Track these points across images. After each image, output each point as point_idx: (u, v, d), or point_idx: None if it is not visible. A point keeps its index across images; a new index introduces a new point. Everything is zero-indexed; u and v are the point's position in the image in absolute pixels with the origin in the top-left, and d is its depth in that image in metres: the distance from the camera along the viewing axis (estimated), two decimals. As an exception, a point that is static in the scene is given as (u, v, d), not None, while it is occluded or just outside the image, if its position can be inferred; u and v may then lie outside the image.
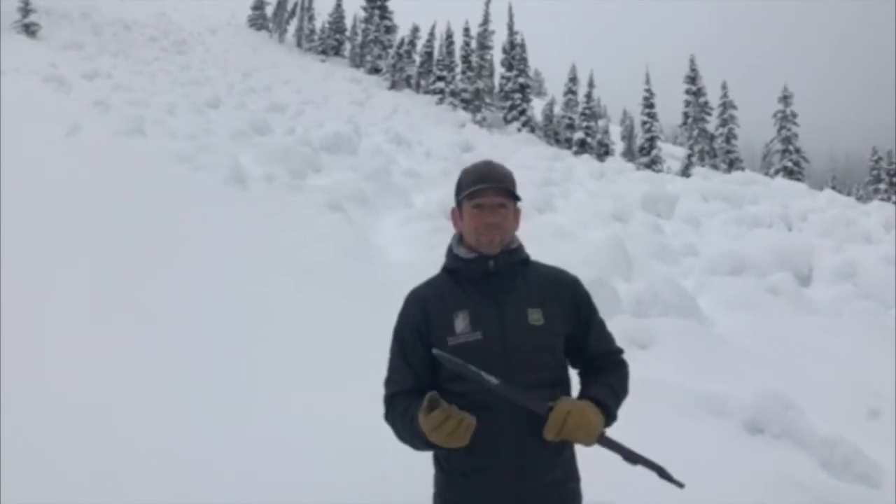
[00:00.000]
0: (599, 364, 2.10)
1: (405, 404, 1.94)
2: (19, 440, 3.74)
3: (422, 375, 2.00)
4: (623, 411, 2.09)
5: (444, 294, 2.02)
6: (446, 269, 2.09)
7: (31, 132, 12.22)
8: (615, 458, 1.92)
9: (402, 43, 54.26)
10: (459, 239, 2.08)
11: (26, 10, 36.86)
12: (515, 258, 2.05)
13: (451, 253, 2.09)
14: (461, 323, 1.96)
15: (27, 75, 21.76)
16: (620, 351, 2.15)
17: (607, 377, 2.05)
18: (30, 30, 36.43)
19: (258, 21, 65.41)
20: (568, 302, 2.06)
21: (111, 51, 35.05)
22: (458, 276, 2.04)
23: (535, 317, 1.97)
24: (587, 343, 2.09)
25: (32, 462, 3.61)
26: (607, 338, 2.15)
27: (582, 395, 1.98)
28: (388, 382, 2.05)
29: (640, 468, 1.91)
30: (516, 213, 2.08)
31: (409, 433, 1.90)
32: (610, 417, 1.95)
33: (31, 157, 10.18)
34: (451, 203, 2.17)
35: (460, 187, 2.07)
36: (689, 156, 47.18)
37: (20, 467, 3.50)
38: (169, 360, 5.00)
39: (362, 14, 59.47)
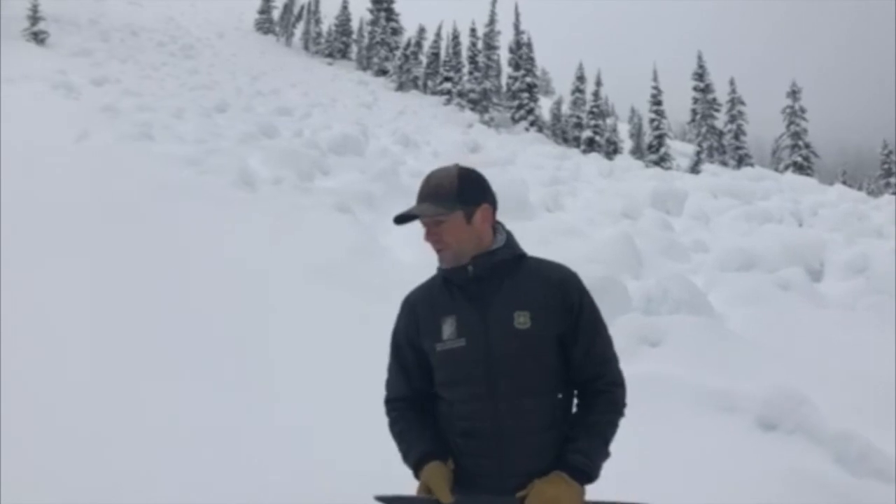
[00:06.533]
0: (594, 389, 1.96)
1: (402, 422, 2.02)
2: (19, 440, 3.76)
3: (415, 379, 2.04)
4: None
5: (435, 298, 2.02)
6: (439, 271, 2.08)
7: (41, 138, 12.30)
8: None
9: (408, 44, 54.35)
10: None
11: (35, 18, 37.04)
12: (497, 258, 1.96)
13: None
14: (448, 329, 1.95)
15: (36, 82, 21.88)
16: (615, 381, 1.98)
17: (588, 428, 1.91)
18: (38, 37, 36.61)
19: (265, 25, 65.67)
20: (557, 299, 1.93)
21: (120, 57, 35.20)
22: (448, 281, 2.03)
23: (522, 320, 1.90)
24: (574, 351, 1.95)
25: (32, 462, 3.63)
26: (601, 354, 1.98)
27: (560, 460, 1.87)
28: (387, 386, 2.12)
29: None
30: (481, 216, 1.96)
31: (403, 456, 2.00)
32: (591, 479, 1.87)
33: (41, 162, 10.24)
34: None
35: None
36: (698, 152, 47.06)
37: (20, 467, 3.52)
38: (178, 360, 5.02)
39: (368, 16, 59.61)
